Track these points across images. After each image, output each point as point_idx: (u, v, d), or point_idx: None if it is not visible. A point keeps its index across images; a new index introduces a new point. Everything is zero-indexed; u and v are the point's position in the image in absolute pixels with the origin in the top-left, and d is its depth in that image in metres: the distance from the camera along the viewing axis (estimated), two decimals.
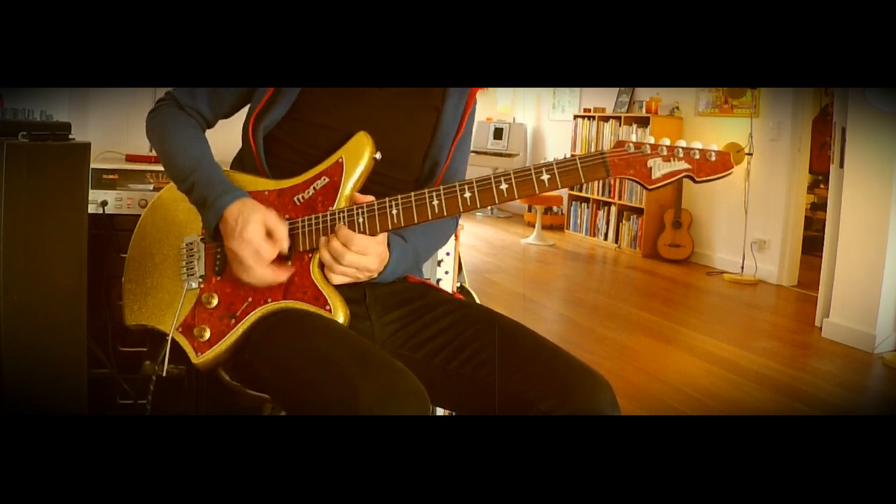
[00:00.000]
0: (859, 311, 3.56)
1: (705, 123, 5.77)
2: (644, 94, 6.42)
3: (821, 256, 3.94)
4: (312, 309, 1.13)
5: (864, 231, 3.55)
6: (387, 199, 1.12)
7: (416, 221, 1.11)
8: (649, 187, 1.04)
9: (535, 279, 5.08)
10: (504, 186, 1.07)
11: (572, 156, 1.06)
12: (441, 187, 1.10)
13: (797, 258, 5.08)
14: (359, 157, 1.16)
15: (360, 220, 1.12)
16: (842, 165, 3.73)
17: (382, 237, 1.15)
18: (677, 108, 6.03)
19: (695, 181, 1.04)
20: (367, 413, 0.92)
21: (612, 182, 6.41)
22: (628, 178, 1.04)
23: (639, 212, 6.08)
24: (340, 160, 1.17)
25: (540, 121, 8.23)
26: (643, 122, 6.10)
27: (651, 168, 1.03)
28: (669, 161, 1.03)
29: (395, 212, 1.11)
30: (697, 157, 1.02)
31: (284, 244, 1.14)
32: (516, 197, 1.07)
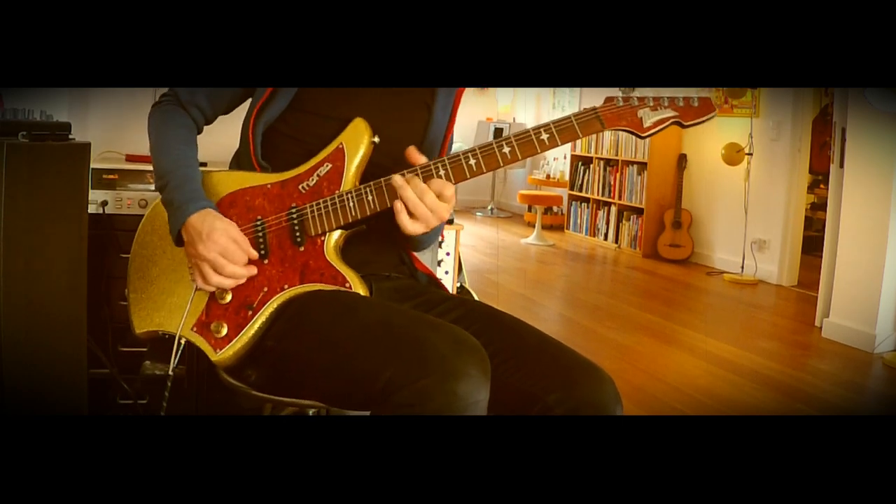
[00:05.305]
0: (859, 311, 3.56)
1: (705, 123, 5.75)
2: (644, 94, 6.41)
3: (821, 256, 3.94)
4: (332, 288, 1.14)
5: (864, 231, 3.55)
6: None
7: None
8: (643, 135, 1.12)
9: (535, 279, 5.08)
10: (507, 150, 1.12)
11: (567, 116, 1.11)
12: (447, 157, 1.13)
13: (797, 258, 5.08)
14: (359, 141, 1.19)
15: (441, 172, 1.12)
16: (842, 165, 3.72)
17: None
18: None
19: (682, 126, 1.13)
20: (441, 362, 0.93)
21: (612, 181, 6.42)
22: (622, 129, 1.12)
23: (639, 212, 6.08)
24: (341, 146, 1.19)
25: (540, 121, 8.18)
26: None
27: (641, 118, 1.11)
28: (657, 110, 1.12)
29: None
30: (682, 104, 1.12)
31: (250, 252, 1.17)
32: (519, 158, 1.12)
